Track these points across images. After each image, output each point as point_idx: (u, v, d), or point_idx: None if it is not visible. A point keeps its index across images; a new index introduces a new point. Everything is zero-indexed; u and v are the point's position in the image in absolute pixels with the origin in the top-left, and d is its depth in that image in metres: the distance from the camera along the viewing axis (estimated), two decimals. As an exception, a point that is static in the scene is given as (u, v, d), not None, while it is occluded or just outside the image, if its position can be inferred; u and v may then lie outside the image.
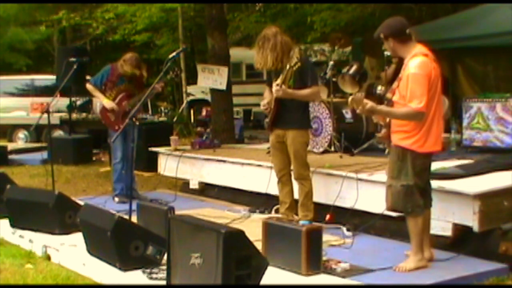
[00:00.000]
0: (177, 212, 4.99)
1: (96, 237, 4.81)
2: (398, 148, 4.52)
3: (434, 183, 4.82)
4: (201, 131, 8.99)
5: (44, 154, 10.06)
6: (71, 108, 12.33)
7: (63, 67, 10.37)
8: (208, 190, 7.80)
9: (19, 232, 5.75)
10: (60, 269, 4.87)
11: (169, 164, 8.18)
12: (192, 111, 17.20)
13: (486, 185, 4.95)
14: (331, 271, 4.46)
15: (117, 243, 4.50)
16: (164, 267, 4.23)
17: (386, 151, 5.96)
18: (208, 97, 12.89)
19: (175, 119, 13.84)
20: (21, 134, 14.52)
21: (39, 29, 21.67)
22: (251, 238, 3.78)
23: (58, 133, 13.06)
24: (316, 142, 7.42)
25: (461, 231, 4.93)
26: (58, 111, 12.55)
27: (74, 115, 12.75)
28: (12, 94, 15.77)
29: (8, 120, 14.40)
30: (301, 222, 5.29)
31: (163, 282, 4.19)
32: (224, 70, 9.44)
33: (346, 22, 12.36)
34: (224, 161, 7.40)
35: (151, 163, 8.85)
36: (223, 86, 9.49)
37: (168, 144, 8.39)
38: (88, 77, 11.68)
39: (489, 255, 4.82)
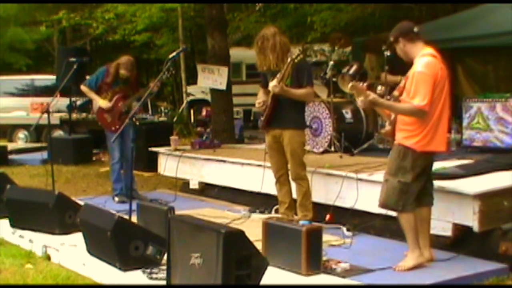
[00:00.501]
0: (177, 212, 4.99)
1: (96, 237, 4.81)
2: (400, 147, 4.54)
3: (434, 183, 4.82)
4: (201, 131, 8.99)
5: (44, 154, 10.05)
6: (71, 108, 12.33)
7: (63, 67, 10.38)
8: (208, 190, 7.80)
9: (19, 232, 5.75)
10: (60, 269, 4.87)
11: (169, 164, 8.18)
12: (192, 111, 17.19)
13: (486, 185, 4.95)
14: (331, 271, 4.46)
15: (117, 243, 4.50)
16: (164, 267, 4.24)
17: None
18: (208, 97, 12.90)
19: (175, 119, 13.85)
20: (21, 134, 14.52)
21: (39, 29, 21.67)
22: (251, 238, 3.78)
23: (58, 133, 13.07)
24: (316, 142, 7.42)
25: (461, 231, 4.93)
26: (58, 111, 12.56)
27: (74, 115, 12.77)
28: (12, 94, 15.78)
29: (8, 120, 14.40)
30: (301, 222, 5.28)
31: (163, 282, 4.19)
32: (224, 70, 9.44)
33: (346, 22, 12.36)
34: (224, 161, 7.40)
35: (151, 163, 8.85)
36: (223, 86, 9.50)
37: (168, 144, 8.40)
38: (88, 77, 11.72)
39: (489, 255, 4.82)
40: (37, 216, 5.69)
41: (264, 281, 3.85)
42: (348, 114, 7.56)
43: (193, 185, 7.88)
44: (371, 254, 4.96)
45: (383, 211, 5.23)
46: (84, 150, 11.54)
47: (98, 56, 22.74)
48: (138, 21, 18.00)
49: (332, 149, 7.20)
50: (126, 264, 4.52)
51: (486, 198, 4.78)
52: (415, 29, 4.58)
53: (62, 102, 12.02)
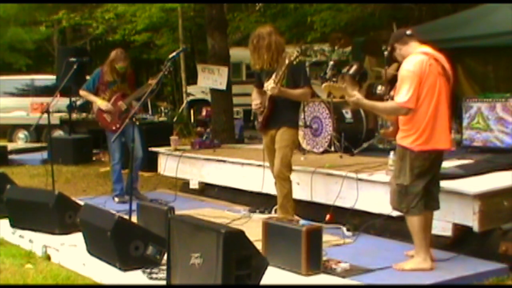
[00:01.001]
0: (177, 212, 4.99)
1: (96, 237, 4.81)
2: (400, 147, 4.56)
3: (434, 183, 4.82)
4: (201, 131, 8.99)
5: (44, 154, 10.05)
6: (71, 108, 12.33)
7: (63, 67, 10.38)
8: (208, 190, 7.80)
9: (19, 232, 5.75)
10: (60, 269, 4.87)
11: (169, 164, 8.18)
12: (192, 111, 17.19)
13: (486, 185, 4.94)
14: (331, 271, 4.46)
15: (117, 243, 4.50)
16: (164, 267, 4.23)
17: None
18: (208, 97, 12.89)
19: (175, 119, 13.84)
20: (21, 134, 14.53)
21: (39, 29, 21.67)
22: (251, 238, 3.78)
23: (58, 133, 13.07)
24: (316, 142, 7.43)
25: (461, 231, 4.93)
26: (58, 111, 12.56)
27: (74, 115, 12.76)
28: (12, 94, 15.78)
29: (8, 120, 14.40)
30: (301, 222, 5.28)
31: (163, 282, 4.19)
32: (224, 70, 9.44)
33: (346, 22, 12.37)
34: (224, 161, 7.40)
35: (151, 163, 8.84)
36: (223, 86, 9.49)
37: (168, 144, 8.39)
38: (88, 77, 11.72)
39: (489, 255, 4.82)
40: (37, 216, 5.69)
41: (264, 281, 3.84)
42: (348, 114, 7.56)
43: (193, 185, 7.88)
44: (371, 254, 4.95)
45: (383, 211, 5.24)
46: (84, 150, 11.54)
47: (98, 56, 22.64)
48: (138, 21, 18.01)
49: (332, 149, 7.20)
50: (126, 264, 4.52)
51: (486, 198, 4.78)
52: (408, 32, 4.64)
53: (62, 102, 12.02)
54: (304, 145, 7.52)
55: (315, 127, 7.42)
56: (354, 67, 7.79)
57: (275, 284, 4.21)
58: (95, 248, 4.88)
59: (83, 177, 9.77)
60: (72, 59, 9.70)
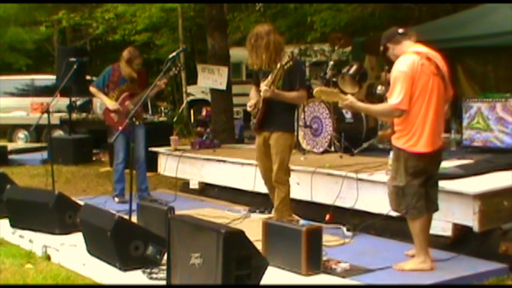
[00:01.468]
0: (177, 212, 4.99)
1: (96, 237, 4.81)
2: (395, 148, 4.55)
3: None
4: (201, 131, 9.00)
5: (44, 154, 10.05)
6: (71, 108, 12.34)
7: (63, 67, 10.39)
8: (208, 190, 7.80)
9: (19, 232, 5.75)
10: (60, 269, 4.87)
11: (169, 164, 8.18)
12: (192, 111, 17.19)
13: (486, 185, 4.94)
14: (331, 271, 4.46)
15: (117, 243, 4.50)
16: (164, 267, 4.23)
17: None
18: (208, 97, 12.89)
19: (175, 119, 13.83)
20: (21, 134, 14.54)
21: (39, 29, 21.66)
22: (251, 238, 3.78)
23: (58, 133, 13.07)
24: (316, 142, 7.43)
25: (461, 231, 4.93)
26: (58, 111, 12.57)
27: (74, 115, 12.77)
28: (12, 94, 15.79)
29: (8, 120, 14.41)
30: (301, 222, 5.28)
31: (163, 282, 4.19)
32: (224, 70, 9.44)
33: (346, 22, 12.35)
34: (224, 161, 7.40)
35: (151, 163, 8.82)
36: (223, 86, 9.50)
37: (168, 144, 8.39)
38: (88, 77, 11.73)
39: (489, 255, 4.81)
40: (37, 216, 5.69)
41: (264, 281, 3.84)
42: (348, 114, 7.56)
43: (193, 185, 7.88)
44: (371, 254, 4.95)
45: (383, 211, 5.24)
46: (84, 150, 11.55)
47: (98, 56, 22.72)
48: (138, 21, 18.00)
49: (332, 149, 7.20)
50: (126, 264, 4.52)
51: (486, 198, 4.78)
52: (400, 31, 4.57)
53: (62, 102, 12.03)
54: (304, 145, 7.52)
55: (315, 127, 7.42)
56: (354, 67, 7.79)
57: (275, 284, 4.21)
58: (95, 248, 4.88)
59: (83, 177, 9.77)
60: (72, 59, 9.71)
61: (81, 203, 5.73)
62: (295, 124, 6.77)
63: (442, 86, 4.48)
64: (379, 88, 7.61)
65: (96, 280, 4.62)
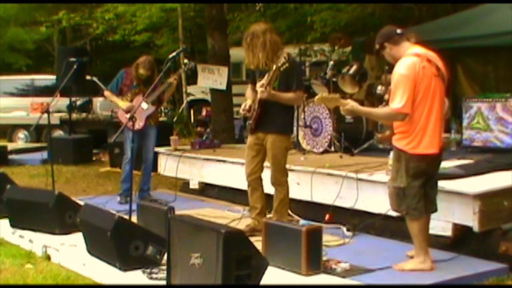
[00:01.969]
0: (177, 212, 4.99)
1: (96, 237, 4.81)
2: (395, 149, 4.54)
3: (434, 183, 4.82)
4: (201, 131, 9.00)
5: (44, 154, 10.05)
6: (71, 108, 12.33)
7: (63, 67, 10.38)
8: (208, 190, 7.80)
9: (19, 232, 5.75)
10: (60, 269, 4.87)
11: (169, 164, 8.17)
12: (192, 111, 17.19)
13: (486, 185, 4.94)
14: (331, 271, 4.46)
15: (117, 243, 4.50)
16: (164, 267, 4.24)
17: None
18: (208, 97, 12.90)
19: (175, 119, 13.84)
20: (21, 134, 14.53)
21: (39, 29, 21.66)
22: (251, 238, 3.78)
23: (58, 133, 13.07)
24: (316, 142, 7.43)
25: (461, 231, 4.93)
26: (58, 111, 12.57)
27: (74, 115, 12.77)
28: (12, 94, 15.78)
29: (8, 120, 14.41)
30: (301, 222, 5.28)
31: (163, 282, 4.19)
32: (224, 70, 9.44)
33: (346, 22, 12.36)
34: (224, 161, 7.40)
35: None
36: (223, 86, 9.50)
37: (168, 144, 8.39)
38: (88, 77, 11.72)
39: (489, 255, 4.82)
40: (37, 216, 5.69)
41: (264, 281, 3.85)
42: (348, 114, 7.55)
43: (193, 185, 7.88)
44: (371, 254, 4.95)
45: (383, 211, 5.24)
46: (84, 150, 11.54)
47: (98, 56, 22.73)
48: (138, 21, 18.00)
49: (332, 149, 7.21)
50: (126, 264, 4.52)
51: (486, 198, 4.78)
52: (398, 31, 4.52)
53: (62, 102, 12.03)
54: (304, 145, 7.52)
55: (315, 127, 7.42)
56: (354, 67, 7.79)
57: (275, 284, 4.21)
58: (95, 248, 4.88)
59: (83, 177, 9.77)
60: (72, 59, 9.71)
61: (81, 203, 5.73)
62: (293, 125, 6.77)
63: (442, 86, 4.48)
64: (379, 88, 7.61)
65: (96, 280, 4.62)
